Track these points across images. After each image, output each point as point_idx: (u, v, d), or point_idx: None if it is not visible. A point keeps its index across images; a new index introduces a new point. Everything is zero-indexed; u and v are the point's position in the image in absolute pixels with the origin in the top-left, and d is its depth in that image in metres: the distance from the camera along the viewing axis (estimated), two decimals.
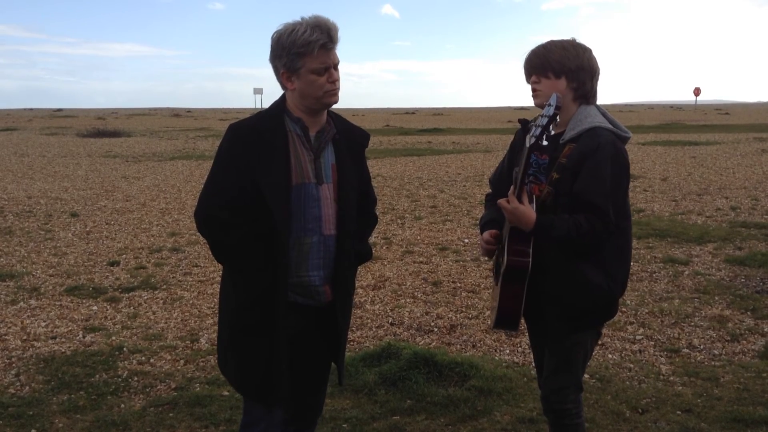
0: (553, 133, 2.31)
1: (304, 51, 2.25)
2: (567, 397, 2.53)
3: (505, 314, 2.44)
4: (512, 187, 2.37)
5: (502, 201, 2.38)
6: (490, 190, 2.76)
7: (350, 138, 2.49)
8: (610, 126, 2.42)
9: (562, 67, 2.39)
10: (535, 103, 2.50)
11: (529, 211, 2.32)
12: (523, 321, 2.54)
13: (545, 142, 2.29)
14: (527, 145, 2.26)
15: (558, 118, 2.25)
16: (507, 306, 2.42)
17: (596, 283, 2.39)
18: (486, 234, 2.60)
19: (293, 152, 2.33)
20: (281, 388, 2.37)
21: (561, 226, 2.31)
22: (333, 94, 2.34)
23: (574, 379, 2.54)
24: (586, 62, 2.42)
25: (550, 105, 2.22)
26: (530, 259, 2.35)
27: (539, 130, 2.22)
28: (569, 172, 2.34)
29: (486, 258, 2.69)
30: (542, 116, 2.23)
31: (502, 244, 2.49)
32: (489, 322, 2.94)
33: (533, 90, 2.48)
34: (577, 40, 2.47)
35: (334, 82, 2.32)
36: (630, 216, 2.51)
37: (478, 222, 2.76)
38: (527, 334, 2.79)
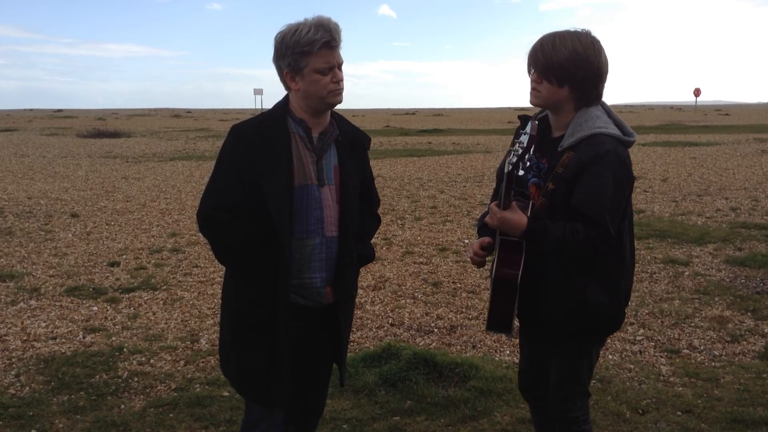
0: (528, 163, 2.20)
1: (309, 50, 2.24)
2: (574, 405, 2.48)
3: (496, 320, 2.37)
4: (494, 203, 2.25)
5: (487, 219, 2.28)
6: (495, 185, 2.64)
7: (353, 140, 2.48)
8: (613, 131, 2.25)
9: (567, 76, 2.21)
10: (530, 102, 2.35)
11: (517, 215, 2.20)
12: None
13: (521, 172, 2.18)
14: (505, 170, 2.14)
15: (532, 150, 2.14)
16: (497, 314, 2.34)
17: (598, 302, 2.29)
18: (476, 245, 2.47)
19: (296, 154, 2.33)
20: (282, 389, 2.37)
21: (555, 230, 2.17)
22: (337, 93, 2.32)
23: (580, 387, 2.48)
24: (595, 69, 2.23)
25: (526, 133, 2.10)
26: (519, 272, 2.24)
27: (515, 158, 2.11)
28: (566, 184, 2.20)
29: (476, 267, 2.59)
30: (519, 143, 2.11)
31: (495, 252, 2.38)
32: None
33: (532, 88, 2.30)
34: (591, 33, 2.24)
35: (338, 82, 2.31)
36: (632, 224, 2.38)
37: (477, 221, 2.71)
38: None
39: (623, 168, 2.21)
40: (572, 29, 2.25)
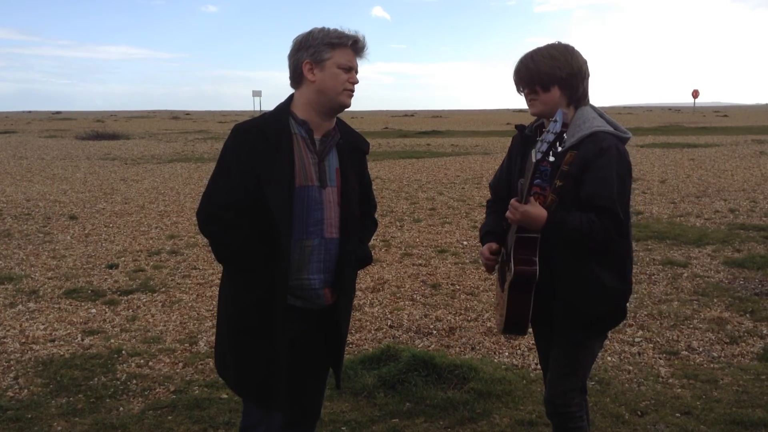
0: (560, 149, 2.26)
1: (338, 42, 2.31)
2: (572, 400, 2.52)
3: (514, 321, 2.45)
4: (515, 199, 2.34)
5: (507, 214, 2.36)
6: (491, 196, 2.76)
7: (353, 144, 2.50)
8: (611, 128, 2.40)
9: (553, 77, 2.38)
10: (531, 114, 2.50)
11: (538, 209, 2.29)
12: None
13: (552, 158, 2.26)
14: (533, 160, 2.21)
15: (565, 135, 2.21)
16: (516, 314, 2.43)
17: (611, 286, 2.40)
18: (485, 249, 2.60)
19: (297, 154, 2.33)
20: (280, 390, 2.37)
21: (573, 221, 2.30)
22: (349, 95, 2.38)
23: (579, 382, 2.54)
24: (576, 67, 2.40)
25: (555, 121, 2.14)
26: (537, 267, 2.35)
27: (545, 146, 2.17)
28: (572, 179, 2.32)
29: (488, 273, 2.68)
30: (548, 132, 2.17)
31: (507, 252, 2.47)
32: (496, 328, 2.94)
33: (528, 101, 2.46)
34: (561, 42, 2.45)
35: (353, 84, 2.37)
36: (630, 217, 2.50)
37: (478, 227, 2.76)
38: (526, 336, 2.79)
39: (625, 160, 2.39)
40: (544, 44, 2.45)
